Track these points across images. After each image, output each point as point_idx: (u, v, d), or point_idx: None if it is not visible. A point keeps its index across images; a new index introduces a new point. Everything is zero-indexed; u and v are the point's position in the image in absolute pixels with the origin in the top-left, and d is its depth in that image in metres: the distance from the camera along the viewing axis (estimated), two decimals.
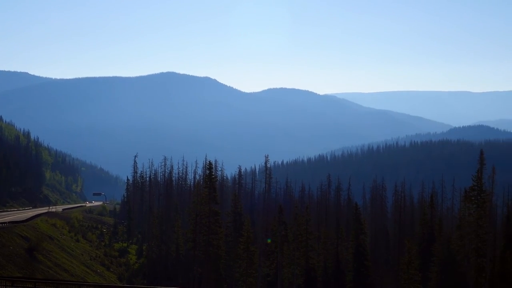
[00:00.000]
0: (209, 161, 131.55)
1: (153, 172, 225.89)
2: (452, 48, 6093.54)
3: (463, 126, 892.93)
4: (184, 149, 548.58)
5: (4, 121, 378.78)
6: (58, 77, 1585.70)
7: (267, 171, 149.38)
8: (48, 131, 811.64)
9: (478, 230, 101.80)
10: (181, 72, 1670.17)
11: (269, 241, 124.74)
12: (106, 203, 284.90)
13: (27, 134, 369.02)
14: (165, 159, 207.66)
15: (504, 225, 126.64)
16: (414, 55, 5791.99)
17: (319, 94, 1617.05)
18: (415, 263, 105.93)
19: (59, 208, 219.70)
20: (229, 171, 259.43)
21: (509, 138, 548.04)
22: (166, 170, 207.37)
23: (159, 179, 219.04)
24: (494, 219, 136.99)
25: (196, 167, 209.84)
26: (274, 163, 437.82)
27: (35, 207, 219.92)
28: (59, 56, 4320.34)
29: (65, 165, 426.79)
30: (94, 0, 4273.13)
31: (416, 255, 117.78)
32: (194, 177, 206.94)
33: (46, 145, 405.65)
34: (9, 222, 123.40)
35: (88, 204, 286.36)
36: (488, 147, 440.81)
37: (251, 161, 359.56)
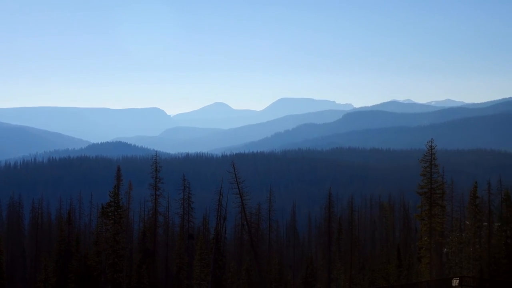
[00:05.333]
0: None
1: None
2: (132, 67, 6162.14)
3: (101, 142, 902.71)
4: None
5: None
6: None
7: None
8: None
9: (115, 246, 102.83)
10: None
11: None
12: None
13: None
14: None
15: (140, 240, 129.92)
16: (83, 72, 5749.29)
17: None
18: (52, 280, 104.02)
19: None
20: None
21: (146, 154, 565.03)
22: None
23: None
24: (131, 234, 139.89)
25: None
26: None
27: None
28: None
29: None
30: None
31: (54, 272, 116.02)
32: None
33: None
34: None
35: None
36: (126, 163, 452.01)
37: None
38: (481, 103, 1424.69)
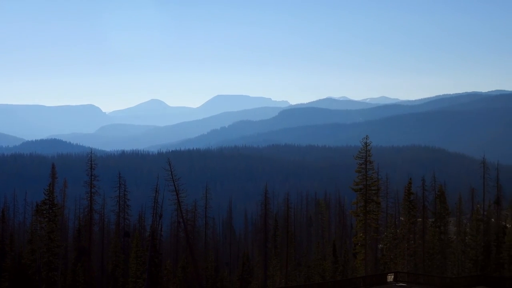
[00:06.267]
0: None
1: None
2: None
3: (36, 140, 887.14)
4: None
5: None
6: None
7: None
8: None
9: (50, 244, 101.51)
10: None
11: None
12: None
13: None
14: None
15: (76, 238, 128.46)
16: None
17: None
18: None
19: None
20: None
21: (81, 152, 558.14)
22: None
23: None
24: (66, 233, 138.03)
25: None
26: None
27: None
28: None
29: None
30: None
31: None
32: None
33: None
34: None
35: None
36: (61, 161, 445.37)
37: None
38: (415, 100, 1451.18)
